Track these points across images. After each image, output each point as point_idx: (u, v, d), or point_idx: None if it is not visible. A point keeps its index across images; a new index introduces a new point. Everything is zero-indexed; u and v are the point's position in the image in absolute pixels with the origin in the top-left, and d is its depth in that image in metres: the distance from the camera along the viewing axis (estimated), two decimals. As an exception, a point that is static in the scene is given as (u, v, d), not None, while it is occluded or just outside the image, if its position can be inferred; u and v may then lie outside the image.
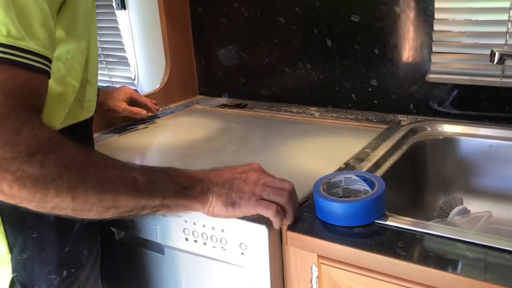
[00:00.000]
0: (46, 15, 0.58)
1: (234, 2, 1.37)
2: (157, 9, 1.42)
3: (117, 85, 1.75)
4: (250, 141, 1.14)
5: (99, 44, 1.71)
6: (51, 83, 0.64)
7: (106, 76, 1.76)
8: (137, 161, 1.09)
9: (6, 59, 0.53)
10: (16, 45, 0.54)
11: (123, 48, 1.65)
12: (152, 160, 1.08)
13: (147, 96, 1.38)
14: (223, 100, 1.49)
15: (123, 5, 1.58)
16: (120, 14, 1.61)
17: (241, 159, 1.02)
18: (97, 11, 1.64)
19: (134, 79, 1.69)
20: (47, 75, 0.59)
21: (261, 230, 0.74)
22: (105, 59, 1.73)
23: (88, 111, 0.81)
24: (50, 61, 0.59)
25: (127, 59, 1.66)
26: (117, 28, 1.63)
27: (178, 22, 1.43)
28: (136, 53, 1.65)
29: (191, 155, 1.07)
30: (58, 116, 0.72)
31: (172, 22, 1.41)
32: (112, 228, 0.95)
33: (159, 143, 1.19)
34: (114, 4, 1.59)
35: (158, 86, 1.43)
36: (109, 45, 1.69)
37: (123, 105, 1.21)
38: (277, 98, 1.40)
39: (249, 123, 1.27)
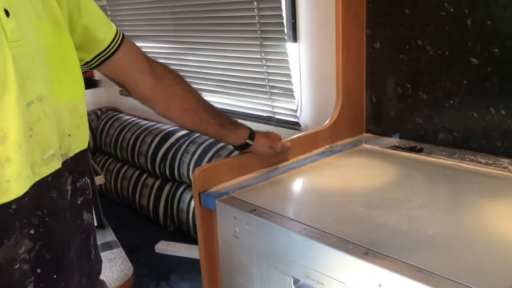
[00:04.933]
0: None
1: (418, 39, 1.28)
2: (328, 43, 1.38)
3: (278, 116, 1.76)
4: (437, 194, 1.03)
5: (265, 75, 1.73)
6: None
7: (268, 107, 1.78)
8: (313, 205, 1.05)
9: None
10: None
11: (290, 81, 1.64)
12: (329, 204, 1.02)
13: (315, 133, 1.34)
14: (394, 140, 1.40)
15: (294, 38, 1.58)
16: (290, 46, 1.61)
17: (433, 216, 0.92)
18: (267, 43, 1.69)
19: (296, 111, 1.67)
20: None
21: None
22: (270, 90, 1.74)
23: (6, 193, 0.61)
24: None
25: (292, 91, 1.65)
26: (286, 61, 1.63)
27: (354, 57, 1.38)
28: (302, 86, 1.63)
29: (373, 205, 0.99)
30: None
31: (348, 57, 1.36)
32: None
33: (332, 185, 1.13)
34: (286, 37, 1.60)
35: (327, 121, 1.38)
36: (275, 77, 1.70)
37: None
38: (459, 145, 1.27)
39: (430, 172, 1.16)
